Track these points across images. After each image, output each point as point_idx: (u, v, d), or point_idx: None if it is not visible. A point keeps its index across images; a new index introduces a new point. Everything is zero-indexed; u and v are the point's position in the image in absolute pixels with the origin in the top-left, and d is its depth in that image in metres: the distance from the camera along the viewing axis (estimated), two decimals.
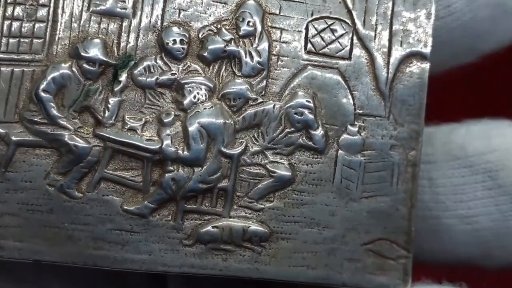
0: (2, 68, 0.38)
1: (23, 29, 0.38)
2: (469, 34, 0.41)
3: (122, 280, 0.44)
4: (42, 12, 0.38)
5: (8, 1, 0.38)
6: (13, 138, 0.38)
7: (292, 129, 0.39)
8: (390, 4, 0.39)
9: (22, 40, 0.38)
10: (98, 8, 0.39)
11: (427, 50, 0.39)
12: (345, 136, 0.39)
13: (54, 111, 0.38)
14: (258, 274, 0.39)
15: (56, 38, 0.38)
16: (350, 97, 0.39)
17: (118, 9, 0.39)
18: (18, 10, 0.38)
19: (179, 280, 0.45)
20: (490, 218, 0.41)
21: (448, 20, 0.41)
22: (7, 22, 0.38)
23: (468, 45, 0.42)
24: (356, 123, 0.39)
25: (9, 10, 0.38)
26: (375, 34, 0.39)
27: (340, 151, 0.39)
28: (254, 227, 0.39)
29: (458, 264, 0.42)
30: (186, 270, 0.39)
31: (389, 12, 0.39)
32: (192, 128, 0.38)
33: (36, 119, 0.38)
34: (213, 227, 0.39)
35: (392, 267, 0.39)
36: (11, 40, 0.38)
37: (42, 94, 0.38)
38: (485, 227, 0.41)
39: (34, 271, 0.43)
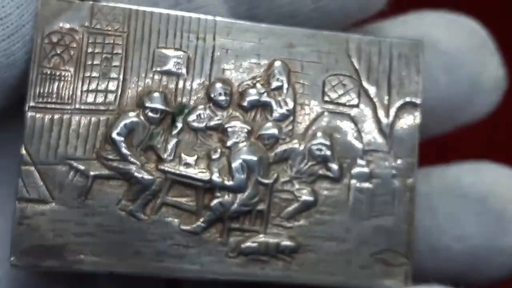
0: (82, 117, 0.48)
1: (99, 85, 0.48)
2: (449, 106, 0.51)
3: (140, 285, 0.51)
4: (114, 72, 0.48)
5: (88, 63, 0.48)
6: (92, 172, 0.48)
7: (314, 162, 0.49)
8: (387, 63, 0.50)
9: (98, 94, 0.48)
10: (159, 69, 0.49)
11: (418, 99, 0.50)
12: (356, 167, 0.49)
13: (125, 150, 0.48)
14: (289, 279, 0.48)
15: (126, 92, 0.48)
16: (359, 137, 0.49)
17: (175, 69, 0.49)
18: (95, 70, 0.48)
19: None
20: (480, 237, 0.50)
21: (433, 92, 0.51)
22: (86, 80, 0.48)
23: (448, 116, 0.52)
24: (364, 157, 0.49)
25: (88, 70, 0.48)
26: (377, 87, 0.50)
27: (352, 180, 0.49)
28: (286, 241, 0.48)
29: (452, 280, 0.51)
30: (231, 277, 0.48)
31: (387, 70, 0.50)
32: (235, 162, 0.48)
33: (110, 157, 0.48)
34: (252, 242, 0.48)
35: (396, 272, 0.49)
36: (89, 94, 0.48)
37: (116, 136, 0.48)
38: (476, 245, 0.50)
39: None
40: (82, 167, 0.47)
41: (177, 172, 0.48)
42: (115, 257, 0.47)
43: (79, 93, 0.48)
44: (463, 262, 0.50)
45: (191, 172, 0.48)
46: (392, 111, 0.49)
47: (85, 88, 0.48)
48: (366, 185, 0.49)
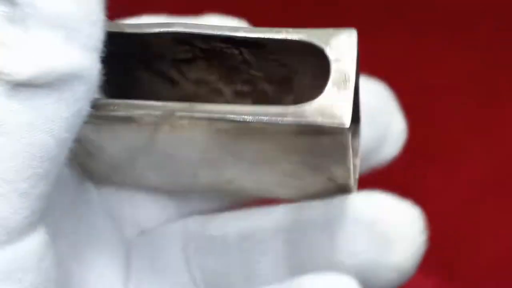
0: None
1: None
2: (366, 149, 0.54)
3: None
4: None
5: None
6: None
7: None
8: None
9: None
10: None
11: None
12: None
13: None
14: None
15: None
16: None
17: None
18: None
19: None
20: (370, 254, 0.51)
21: None
22: None
23: (364, 158, 0.55)
24: None
25: None
26: None
27: None
28: None
29: None
30: None
31: None
32: None
33: None
34: None
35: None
36: None
37: None
38: (366, 258, 0.52)
39: None
40: None
41: None
42: None
43: None
44: (356, 274, 0.53)
45: None
46: None
47: None
48: None
